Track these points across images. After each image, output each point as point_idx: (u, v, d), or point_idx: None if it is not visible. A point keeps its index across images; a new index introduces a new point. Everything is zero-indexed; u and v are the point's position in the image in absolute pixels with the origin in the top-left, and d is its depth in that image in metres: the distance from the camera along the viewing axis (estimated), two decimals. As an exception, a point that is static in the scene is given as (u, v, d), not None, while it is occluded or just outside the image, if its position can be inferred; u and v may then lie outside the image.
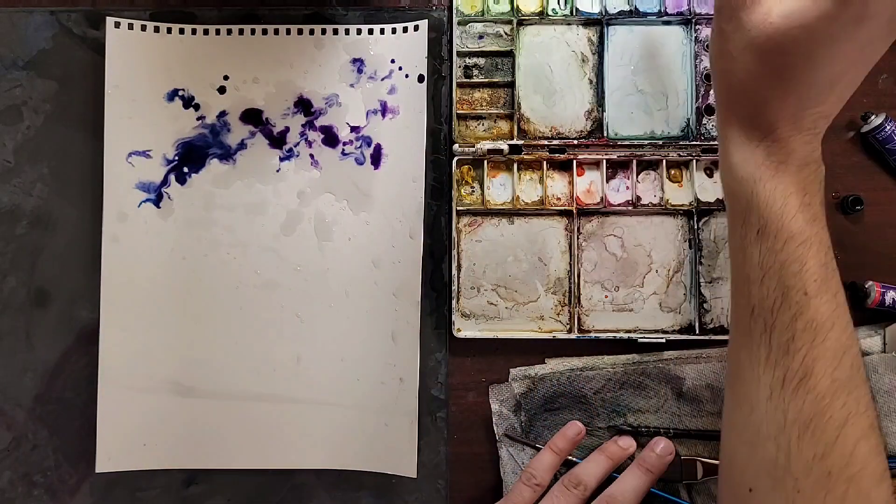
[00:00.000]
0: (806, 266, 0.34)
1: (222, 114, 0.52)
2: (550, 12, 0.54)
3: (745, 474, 0.36)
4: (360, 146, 0.53)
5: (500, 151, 0.53)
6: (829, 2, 0.33)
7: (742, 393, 0.37)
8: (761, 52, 0.35)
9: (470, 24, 0.54)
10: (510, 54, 0.54)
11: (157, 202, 0.52)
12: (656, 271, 0.53)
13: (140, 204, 0.52)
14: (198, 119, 0.52)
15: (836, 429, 0.34)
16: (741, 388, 0.37)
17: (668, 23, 0.54)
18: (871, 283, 0.53)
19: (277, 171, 0.52)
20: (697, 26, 0.54)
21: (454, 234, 0.53)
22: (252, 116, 0.52)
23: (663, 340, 0.52)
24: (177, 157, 0.52)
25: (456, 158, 0.53)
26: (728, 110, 0.37)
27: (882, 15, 0.33)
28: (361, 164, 0.53)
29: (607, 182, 0.53)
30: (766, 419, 0.35)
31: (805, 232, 0.35)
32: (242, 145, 0.52)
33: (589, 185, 0.54)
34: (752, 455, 0.36)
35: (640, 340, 0.52)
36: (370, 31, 0.53)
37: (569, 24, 0.54)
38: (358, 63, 0.53)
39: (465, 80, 0.54)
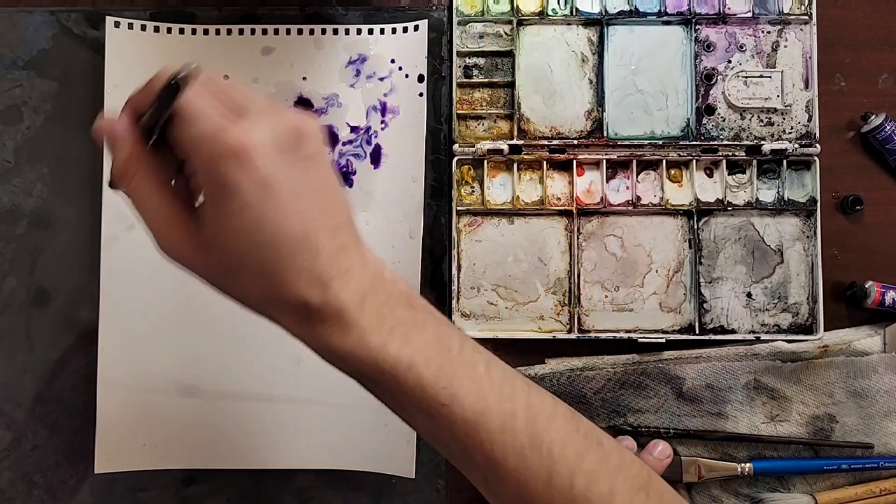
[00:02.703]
0: (425, 385, 0.33)
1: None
2: (550, 12, 0.54)
3: None
4: (360, 146, 0.53)
5: (500, 151, 0.53)
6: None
7: None
8: (228, 272, 0.33)
9: (470, 24, 0.54)
10: (510, 54, 0.54)
11: (157, 202, 0.52)
12: (656, 271, 0.53)
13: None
14: (198, 119, 0.52)
15: None
16: None
17: (668, 23, 0.54)
18: (871, 283, 0.53)
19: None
20: (697, 26, 0.54)
21: (454, 234, 0.53)
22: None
23: (663, 340, 0.52)
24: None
25: (456, 158, 0.53)
26: (270, 315, 0.34)
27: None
28: (361, 163, 0.52)
29: (607, 182, 0.53)
30: None
31: (402, 360, 0.33)
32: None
33: (589, 185, 0.54)
34: None
35: (640, 340, 0.52)
36: (370, 31, 0.53)
37: (569, 24, 0.54)
38: (358, 63, 0.53)
39: (465, 80, 0.54)
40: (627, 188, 0.54)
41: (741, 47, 0.54)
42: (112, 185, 0.34)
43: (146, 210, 0.33)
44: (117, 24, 0.52)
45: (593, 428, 0.36)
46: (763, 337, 0.52)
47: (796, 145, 0.53)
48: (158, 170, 0.33)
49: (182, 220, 0.33)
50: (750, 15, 0.54)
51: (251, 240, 0.31)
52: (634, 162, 0.53)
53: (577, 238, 0.53)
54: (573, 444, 0.34)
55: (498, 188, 0.54)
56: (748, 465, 0.51)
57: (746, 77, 0.54)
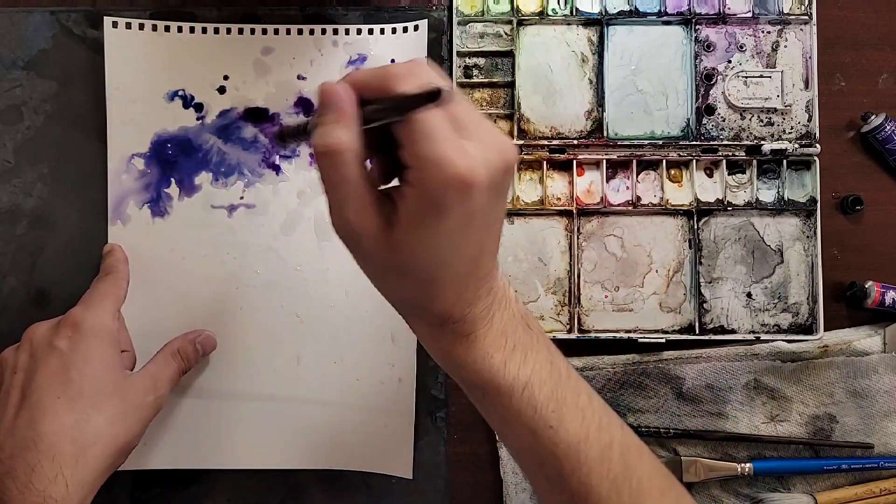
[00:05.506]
0: (538, 406, 0.35)
1: (222, 114, 0.52)
2: (550, 12, 0.54)
3: None
4: (360, 146, 0.52)
5: (500, 151, 0.53)
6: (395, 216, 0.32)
7: None
8: (396, 274, 0.34)
9: (470, 24, 0.54)
10: (510, 54, 0.54)
11: (157, 203, 0.52)
12: (656, 271, 0.53)
13: (141, 205, 0.52)
14: (198, 119, 0.52)
15: None
16: None
17: (668, 23, 0.54)
18: (871, 283, 0.53)
19: (278, 171, 0.52)
20: (697, 26, 0.54)
21: (454, 234, 0.53)
22: (253, 116, 0.52)
23: (663, 340, 0.52)
24: (177, 158, 0.52)
25: (456, 158, 0.53)
26: (405, 315, 0.37)
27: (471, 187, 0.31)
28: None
29: (607, 182, 0.53)
30: None
31: (520, 378, 0.35)
32: (243, 145, 0.52)
33: (589, 185, 0.54)
34: None
35: (640, 340, 0.52)
36: (370, 31, 0.53)
37: (569, 24, 0.54)
38: (358, 63, 0.53)
39: (465, 80, 0.54)
40: (627, 188, 0.54)
41: (741, 47, 0.54)
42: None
43: (340, 184, 0.32)
44: (115, 25, 0.52)
45: (668, 471, 0.39)
46: (763, 337, 0.52)
47: (796, 145, 0.53)
48: (361, 149, 0.32)
49: (370, 205, 0.33)
50: (750, 15, 0.54)
51: (438, 257, 0.33)
52: (634, 162, 0.53)
53: (577, 238, 0.53)
54: (658, 480, 0.37)
55: (498, 188, 0.54)
56: (748, 465, 0.51)
57: (746, 77, 0.54)
